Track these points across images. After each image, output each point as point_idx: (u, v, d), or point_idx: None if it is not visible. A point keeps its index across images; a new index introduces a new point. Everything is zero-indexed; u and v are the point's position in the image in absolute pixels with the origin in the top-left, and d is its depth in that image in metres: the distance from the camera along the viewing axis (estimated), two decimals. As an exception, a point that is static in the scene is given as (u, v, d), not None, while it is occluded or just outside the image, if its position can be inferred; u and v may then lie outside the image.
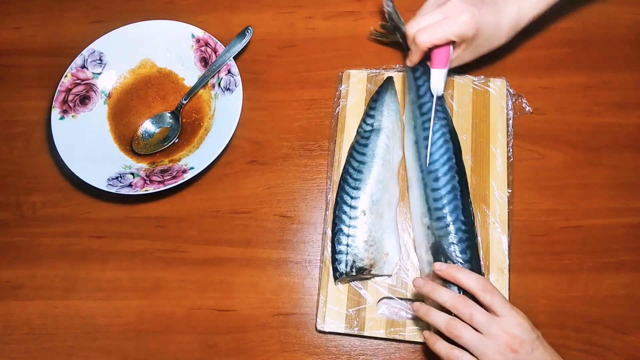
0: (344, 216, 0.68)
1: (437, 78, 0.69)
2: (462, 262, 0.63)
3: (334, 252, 0.67)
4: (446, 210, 0.65)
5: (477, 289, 0.57)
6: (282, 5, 0.84)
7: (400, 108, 0.75)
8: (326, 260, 0.69)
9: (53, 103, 0.76)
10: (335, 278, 0.67)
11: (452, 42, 0.68)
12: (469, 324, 0.56)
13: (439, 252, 0.63)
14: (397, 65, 0.78)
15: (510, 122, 0.74)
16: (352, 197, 0.69)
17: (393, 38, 0.79)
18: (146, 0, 0.87)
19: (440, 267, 0.60)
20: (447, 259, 0.63)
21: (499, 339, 0.55)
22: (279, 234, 0.72)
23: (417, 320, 0.66)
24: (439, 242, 0.64)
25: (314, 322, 0.68)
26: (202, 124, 0.78)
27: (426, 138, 0.69)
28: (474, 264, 0.64)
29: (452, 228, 0.64)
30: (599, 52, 0.78)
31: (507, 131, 0.73)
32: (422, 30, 0.67)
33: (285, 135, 0.77)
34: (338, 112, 0.76)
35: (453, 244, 0.64)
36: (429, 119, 0.69)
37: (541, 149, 0.74)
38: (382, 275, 0.68)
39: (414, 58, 0.72)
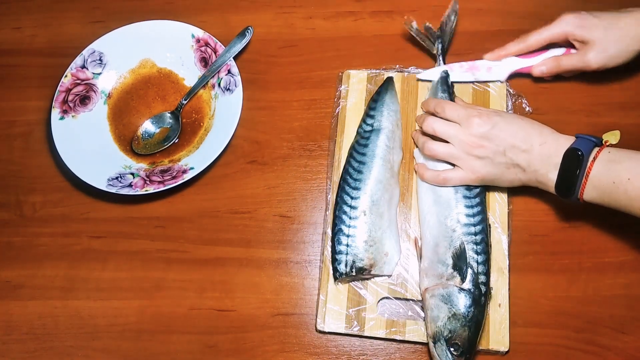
0: (344, 216, 0.68)
1: (509, 64, 0.74)
2: (478, 264, 0.63)
3: (334, 252, 0.67)
4: (476, 219, 0.65)
5: (431, 109, 0.69)
6: (282, 5, 0.84)
7: (400, 108, 0.75)
8: (326, 260, 0.69)
9: (53, 103, 0.76)
10: (335, 278, 0.67)
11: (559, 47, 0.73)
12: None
13: (461, 257, 0.63)
14: (397, 66, 0.78)
15: (510, 122, 0.74)
16: (352, 197, 0.69)
17: (429, 44, 0.78)
18: (146, 0, 0.87)
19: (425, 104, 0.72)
20: (466, 261, 0.63)
21: (461, 139, 0.64)
22: (279, 234, 0.72)
23: (417, 320, 0.66)
24: (463, 247, 0.64)
25: (314, 322, 0.68)
26: (202, 124, 0.78)
27: None
28: (487, 270, 0.64)
29: (478, 238, 0.64)
30: (599, 52, 0.78)
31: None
32: (528, 34, 0.73)
33: (285, 135, 0.77)
34: (338, 112, 0.76)
35: (474, 250, 0.64)
36: None
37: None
38: (382, 275, 0.68)
39: (503, 52, 0.75)
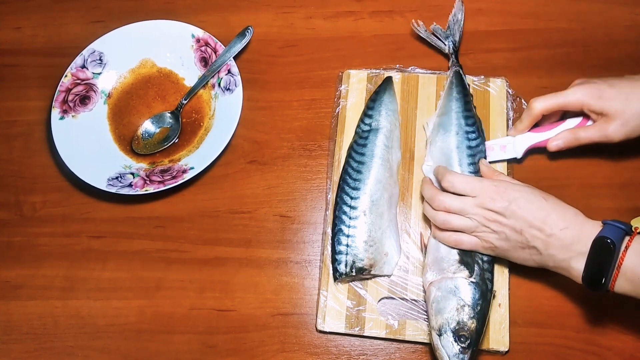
0: (343, 216, 0.68)
1: (525, 140, 0.70)
2: (483, 261, 0.63)
3: (334, 252, 0.67)
4: None
5: (441, 177, 0.64)
6: (282, 5, 0.84)
7: (400, 108, 0.75)
8: (326, 260, 0.69)
9: (53, 103, 0.76)
10: (335, 278, 0.67)
11: (568, 116, 0.69)
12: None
13: (467, 252, 0.63)
14: (397, 66, 0.78)
15: (510, 122, 0.74)
16: (351, 198, 0.69)
17: (439, 44, 0.78)
18: (146, 0, 0.87)
19: (435, 170, 0.67)
20: (472, 256, 0.63)
21: (476, 213, 0.60)
22: (279, 234, 0.72)
23: (417, 320, 0.66)
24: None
25: (314, 322, 0.68)
26: (202, 124, 0.78)
27: (470, 147, 0.69)
28: (491, 268, 0.64)
29: None
30: (598, 52, 0.78)
31: (507, 131, 0.73)
32: (538, 97, 0.67)
33: (285, 135, 0.77)
34: (338, 112, 0.76)
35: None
36: (474, 131, 0.70)
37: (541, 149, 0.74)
38: (382, 276, 0.68)
39: (520, 126, 0.70)
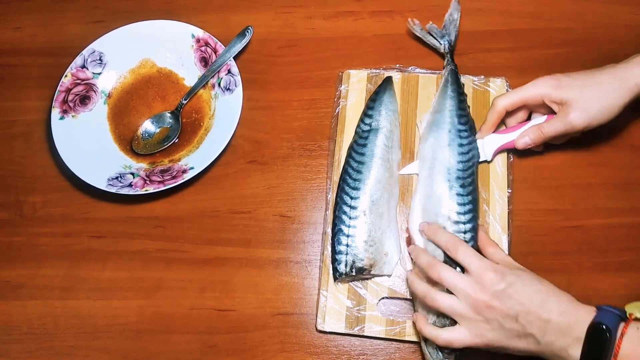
0: (343, 216, 0.68)
1: (492, 142, 0.70)
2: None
3: (334, 252, 0.67)
4: (466, 217, 0.65)
5: (443, 246, 0.62)
6: (282, 5, 0.84)
7: (400, 108, 0.75)
8: (326, 260, 0.69)
9: (53, 103, 0.76)
10: (335, 278, 0.67)
11: (530, 113, 0.70)
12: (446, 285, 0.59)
13: (451, 258, 0.63)
14: (397, 65, 0.78)
15: (510, 122, 0.74)
16: (351, 198, 0.69)
17: (435, 43, 0.78)
18: (146, 0, 0.87)
19: (423, 227, 0.65)
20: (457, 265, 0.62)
21: (469, 293, 0.57)
22: (279, 234, 0.72)
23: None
24: (473, 237, 0.64)
25: (314, 322, 0.68)
26: (202, 124, 0.78)
27: (461, 145, 0.69)
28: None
29: (467, 236, 0.64)
30: (598, 52, 0.78)
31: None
32: (501, 95, 0.69)
33: (285, 135, 0.77)
34: (338, 112, 0.76)
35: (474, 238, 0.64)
36: (466, 130, 0.70)
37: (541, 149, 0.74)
38: (381, 275, 0.68)
39: (486, 126, 0.70)
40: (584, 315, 0.54)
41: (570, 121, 0.64)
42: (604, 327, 0.52)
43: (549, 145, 0.71)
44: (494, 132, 0.71)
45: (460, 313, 0.57)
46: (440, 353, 0.60)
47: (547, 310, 0.54)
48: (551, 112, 0.68)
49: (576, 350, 0.53)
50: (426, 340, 0.61)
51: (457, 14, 0.77)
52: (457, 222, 0.65)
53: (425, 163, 0.70)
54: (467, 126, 0.71)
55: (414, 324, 0.64)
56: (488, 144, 0.70)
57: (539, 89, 0.66)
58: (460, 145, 0.69)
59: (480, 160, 0.70)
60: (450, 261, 0.61)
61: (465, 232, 0.64)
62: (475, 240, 0.64)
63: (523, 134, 0.68)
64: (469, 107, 0.73)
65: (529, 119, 0.71)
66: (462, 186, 0.67)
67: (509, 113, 0.70)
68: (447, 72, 0.75)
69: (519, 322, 0.55)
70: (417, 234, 0.66)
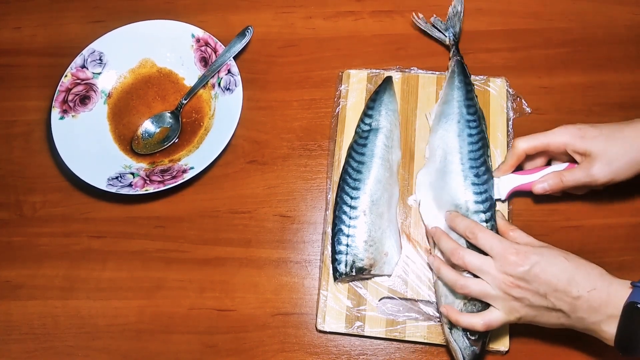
0: (343, 216, 0.68)
1: (509, 182, 0.68)
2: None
3: (334, 252, 0.67)
4: (485, 205, 0.66)
5: (462, 232, 0.63)
6: (282, 5, 0.84)
7: (400, 108, 0.75)
8: (326, 260, 0.69)
9: (53, 103, 0.76)
10: (335, 278, 0.67)
11: (550, 160, 0.68)
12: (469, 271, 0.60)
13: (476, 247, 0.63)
14: (397, 66, 0.78)
15: (510, 122, 0.74)
16: (351, 197, 0.69)
17: (439, 35, 0.79)
18: (146, 0, 0.87)
19: (446, 215, 0.66)
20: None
21: (495, 276, 0.58)
22: (279, 234, 0.72)
23: (417, 320, 0.66)
24: (493, 225, 0.65)
25: (314, 322, 0.68)
26: (202, 123, 0.78)
27: (470, 135, 0.69)
28: None
29: (489, 225, 0.65)
30: (598, 52, 0.78)
31: (507, 131, 0.73)
32: (522, 137, 0.66)
33: (285, 135, 0.77)
34: (338, 112, 0.76)
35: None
36: (475, 120, 0.71)
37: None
38: (382, 275, 0.68)
39: (504, 166, 0.68)
40: (618, 292, 0.54)
41: (593, 174, 0.62)
42: (638, 305, 0.52)
43: (569, 194, 0.69)
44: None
45: (491, 295, 0.58)
46: (467, 340, 0.60)
47: (575, 287, 0.55)
48: (573, 160, 0.65)
49: (609, 327, 0.54)
50: (451, 328, 0.61)
51: (461, 6, 0.78)
52: (476, 212, 0.65)
53: (435, 155, 0.70)
54: (476, 116, 0.71)
55: (439, 319, 0.64)
56: (504, 183, 0.68)
57: (563, 137, 0.64)
58: (470, 135, 0.69)
59: (494, 198, 0.68)
60: (472, 247, 0.62)
61: (486, 222, 0.65)
62: (496, 226, 0.65)
63: (542, 179, 0.65)
64: (476, 96, 0.73)
65: (548, 164, 0.69)
66: (476, 175, 0.67)
67: (528, 157, 0.67)
68: (453, 64, 0.75)
69: (548, 299, 0.56)
70: (434, 224, 0.67)
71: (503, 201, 0.69)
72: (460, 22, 0.78)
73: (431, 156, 0.71)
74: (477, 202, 0.66)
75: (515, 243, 0.59)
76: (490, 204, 0.66)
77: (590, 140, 0.62)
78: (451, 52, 0.77)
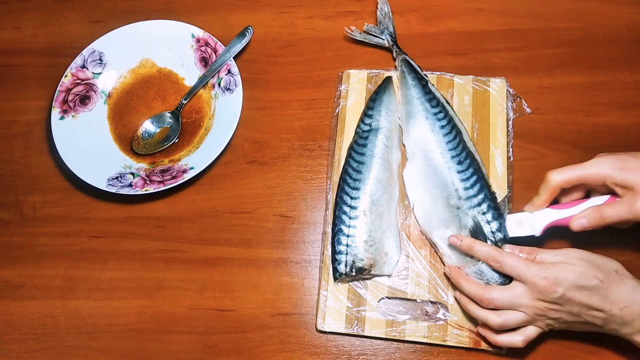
0: (343, 216, 0.68)
1: (544, 217, 0.63)
2: (494, 233, 0.64)
3: (334, 252, 0.67)
4: (475, 189, 0.66)
5: (483, 259, 0.62)
6: (282, 5, 0.84)
7: (398, 107, 0.75)
8: (326, 260, 0.69)
9: (53, 103, 0.76)
10: (335, 278, 0.67)
11: (588, 193, 0.64)
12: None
13: (478, 234, 0.63)
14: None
15: (510, 122, 0.74)
16: (351, 198, 0.69)
17: (378, 41, 0.80)
18: (146, 0, 0.87)
19: (455, 241, 0.64)
20: (485, 237, 0.64)
21: (529, 306, 0.58)
22: (279, 234, 0.72)
23: (417, 320, 0.66)
24: (476, 221, 0.64)
25: (314, 322, 0.68)
26: (202, 124, 0.79)
27: (442, 127, 0.70)
28: (505, 235, 0.64)
29: (484, 207, 0.65)
30: (598, 52, 0.78)
31: (507, 131, 0.73)
32: (556, 170, 0.62)
33: (285, 135, 0.77)
34: (338, 112, 0.76)
35: (486, 221, 0.65)
36: (441, 110, 0.71)
37: (541, 149, 0.74)
38: (381, 275, 0.68)
39: (538, 201, 0.63)
40: None
41: (637, 209, 0.57)
42: None
43: (611, 228, 0.62)
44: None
45: (529, 321, 0.60)
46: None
47: (608, 305, 0.56)
48: (613, 192, 0.61)
49: None
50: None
51: (387, 6, 0.79)
52: (468, 198, 0.66)
53: (416, 156, 0.71)
54: (440, 107, 0.72)
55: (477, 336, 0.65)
56: (538, 218, 0.63)
57: (601, 168, 0.59)
58: (442, 127, 0.70)
59: (526, 235, 0.64)
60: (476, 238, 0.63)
61: (479, 205, 0.65)
62: (495, 207, 0.65)
63: (580, 215, 0.60)
64: (433, 85, 0.75)
65: (586, 196, 0.64)
66: (459, 163, 0.68)
67: (564, 190, 0.63)
68: (400, 63, 0.76)
69: (582, 316, 0.57)
70: (433, 234, 0.68)
71: (537, 237, 0.64)
72: (391, 22, 0.79)
73: (412, 158, 0.72)
74: (466, 189, 0.66)
75: (540, 264, 0.58)
76: (480, 185, 0.66)
77: (631, 171, 0.58)
78: (394, 53, 0.78)
